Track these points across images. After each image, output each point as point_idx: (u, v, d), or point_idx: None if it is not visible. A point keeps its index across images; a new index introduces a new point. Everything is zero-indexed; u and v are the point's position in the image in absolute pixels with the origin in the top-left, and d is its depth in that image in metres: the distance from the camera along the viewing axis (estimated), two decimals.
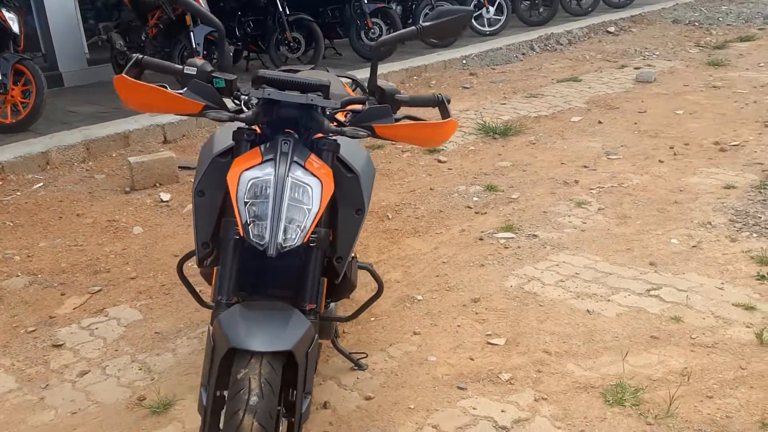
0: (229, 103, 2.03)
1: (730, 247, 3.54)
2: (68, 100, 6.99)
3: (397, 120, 2.04)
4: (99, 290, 3.49)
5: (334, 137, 2.03)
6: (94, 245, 3.99)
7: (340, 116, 2.18)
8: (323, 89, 1.98)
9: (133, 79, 1.92)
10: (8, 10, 5.70)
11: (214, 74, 2.02)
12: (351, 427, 2.42)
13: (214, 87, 1.99)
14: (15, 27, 5.67)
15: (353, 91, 3.08)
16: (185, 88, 1.97)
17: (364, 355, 2.77)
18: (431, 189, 4.60)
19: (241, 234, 1.85)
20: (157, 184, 4.86)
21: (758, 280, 3.21)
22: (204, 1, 6.48)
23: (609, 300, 3.12)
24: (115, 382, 2.76)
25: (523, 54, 8.84)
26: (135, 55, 2.06)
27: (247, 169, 1.89)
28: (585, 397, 2.49)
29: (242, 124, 2.01)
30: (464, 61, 8.33)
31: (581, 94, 6.79)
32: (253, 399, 1.66)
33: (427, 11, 8.92)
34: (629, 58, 8.40)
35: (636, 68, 7.73)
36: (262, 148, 1.96)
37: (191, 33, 6.65)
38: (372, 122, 2.00)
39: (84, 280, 3.61)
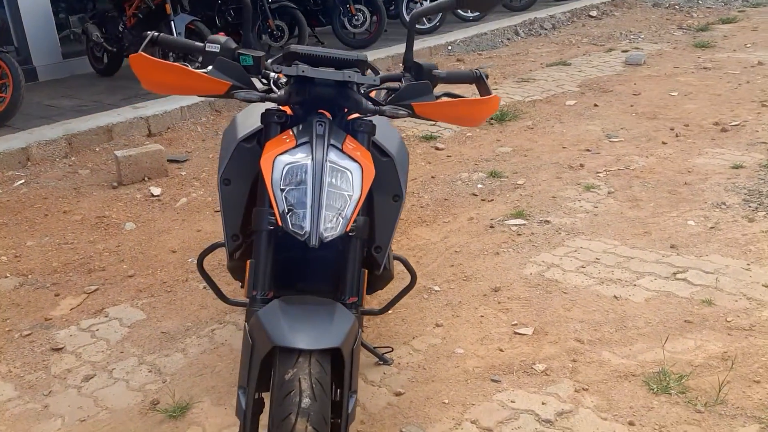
0: (256, 82, 1.87)
1: (749, 227, 3.46)
2: (45, 95, 6.73)
3: (436, 97, 1.90)
4: (95, 290, 3.31)
5: (369, 117, 1.88)
6: (85, 243, 3.80)
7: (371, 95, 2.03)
8: (360, 65, 1.84)
9: (153, 57, 1.76)
10: None
11: (240, 51, 1.86)
12: (384, 425, 2.28)
13: (241, 65, 1.83)
14: None
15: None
16: (209, 67, 1.81)
17: (390, 349, 2.64)
18: (433, 177, 4.47)
19: (279, 223, 1.70)
20: (146, 179, 4.66)
21: None
22: None
23: (635, 285, 3.02)
24: (125, 386, 2.59)
25: (508, 39, 8.73)
26: (150, 33, 1.89)
27: (281, 154, 1.74)
28: (627, 386, 2.38)
29: (272, 105, 1.86)
30: (450, 47, 8.20)
31: (572, 78, 6.70)
32: (305, 401, 1.52)
33: None
34: (615, 41, 8.33)
35: (624, 51, 7.66)
36: (295, 131, 1.81)
37: (172, 22, 6.43)
38: (411, 100, 1.86)
39: (78, 279, 3.42)
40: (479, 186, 4.27)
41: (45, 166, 4.98)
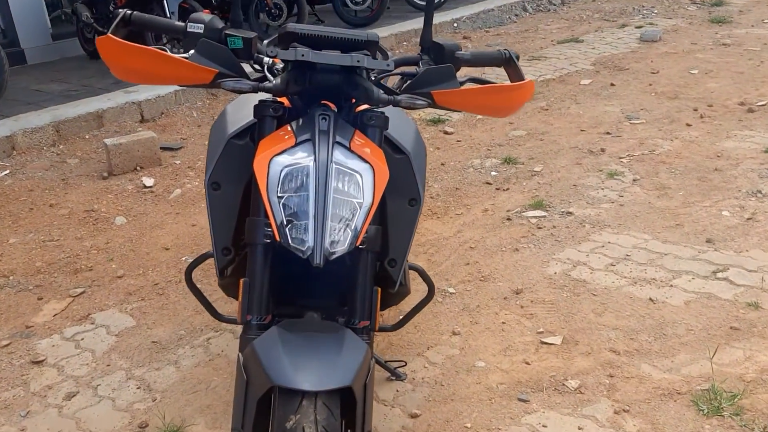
0: (247, 68, 1.58)
1: None
2: (32, 79, 6.43)
3: (460, 84, 1.61)
4: (82, 292, 3.05)
5: (381, 109, 1.60)
6: (72, 240, 3.53)
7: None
8: (371, 46, 1.55)
9: (122, 40, 1.47)
10: None
11: (227, 32, 1.57)
12: None
13: (229, 48, 1.54)
14: None
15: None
16: (191, 51, 1.52)
17: (403, 364, 2.37)
18: (442, 164, 4.19)
19: (277, 238, 1.42)
20: (138, 168, 4.38)
21: None
22: None
23: (672, 285, 2.74)
24: (110, 406, 2.34)
25: (516, 15, 8.39)
26: (122, 11, 1.60)
27: (278, 154, 1.45)
28: (673, 406, 2.11)
29: (267, 96, 1.57)
30: (455, 25, 7.86)
31: (586, 56, 6.38)
32: None
33: None
34: (628, 16, 7.99)
35: (638, 27, 7.33)
36: (294, 126, 1.52)
37: (164, 1, 6.12)
38: (431, 88, 1.57)
39: (63, 280, 3.16)
40: (493, 173, 3.98)
41: (31, 156, 4.70)
